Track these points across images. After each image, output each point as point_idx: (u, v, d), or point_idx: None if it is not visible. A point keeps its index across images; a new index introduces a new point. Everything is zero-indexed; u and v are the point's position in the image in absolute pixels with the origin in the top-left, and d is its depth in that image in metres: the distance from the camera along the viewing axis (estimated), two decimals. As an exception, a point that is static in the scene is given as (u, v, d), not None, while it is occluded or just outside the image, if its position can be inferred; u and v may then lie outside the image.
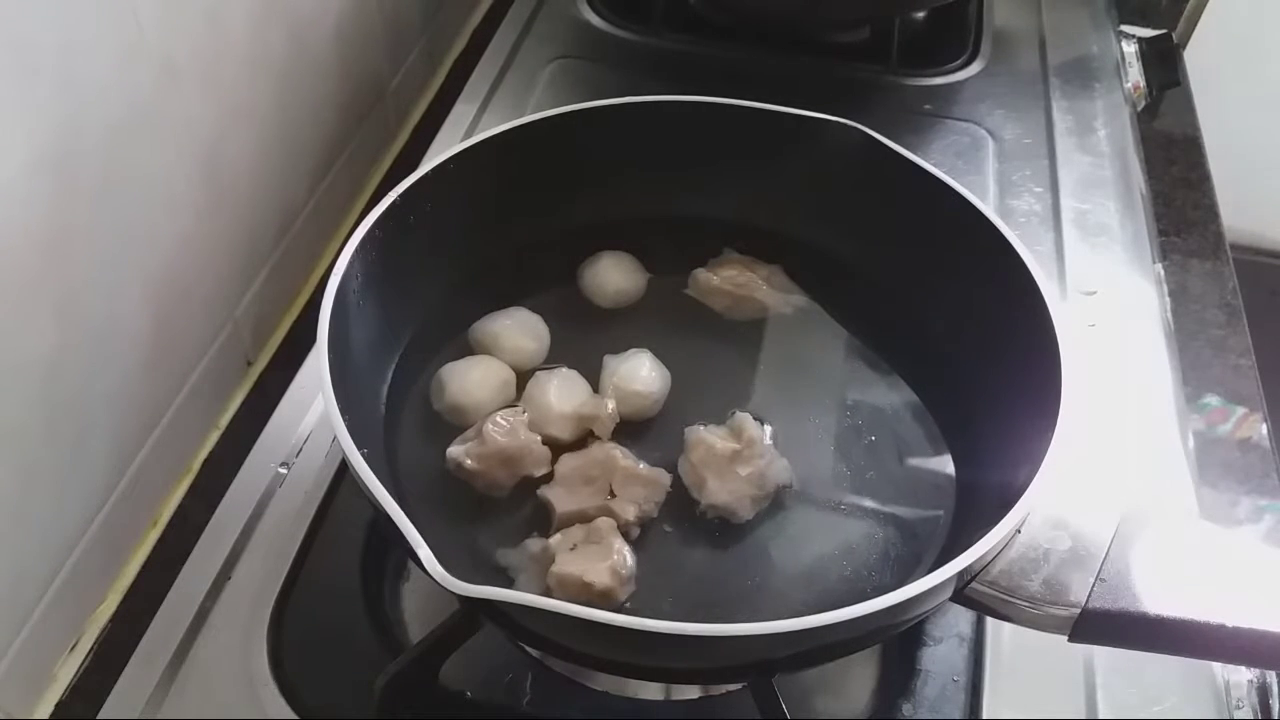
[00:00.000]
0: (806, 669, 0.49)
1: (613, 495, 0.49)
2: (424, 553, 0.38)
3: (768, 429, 0.53)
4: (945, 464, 0.53)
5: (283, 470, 0.56)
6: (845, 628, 0.38)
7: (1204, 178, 0.80)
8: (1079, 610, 0.42)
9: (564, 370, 0.55)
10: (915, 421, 0.55)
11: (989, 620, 0.51)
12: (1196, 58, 0.95)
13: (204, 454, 0.59)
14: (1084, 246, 0.71)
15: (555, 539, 0.47)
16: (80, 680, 0.50)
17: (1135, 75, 0.89)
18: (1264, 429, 0.61)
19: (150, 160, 0.50)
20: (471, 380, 0.53)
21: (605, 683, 0.49)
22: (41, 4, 0.41)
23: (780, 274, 0.61)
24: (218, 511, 0.55)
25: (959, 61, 0.85)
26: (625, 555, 0.46)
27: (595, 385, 0.54)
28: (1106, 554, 0.43)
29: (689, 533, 0.50)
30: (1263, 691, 0.51)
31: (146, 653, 0.49)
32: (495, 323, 0.56)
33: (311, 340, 0.46)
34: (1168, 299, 0.68)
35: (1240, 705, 0.50)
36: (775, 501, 0.51)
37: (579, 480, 0.50)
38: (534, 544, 0.48)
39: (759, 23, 0.85)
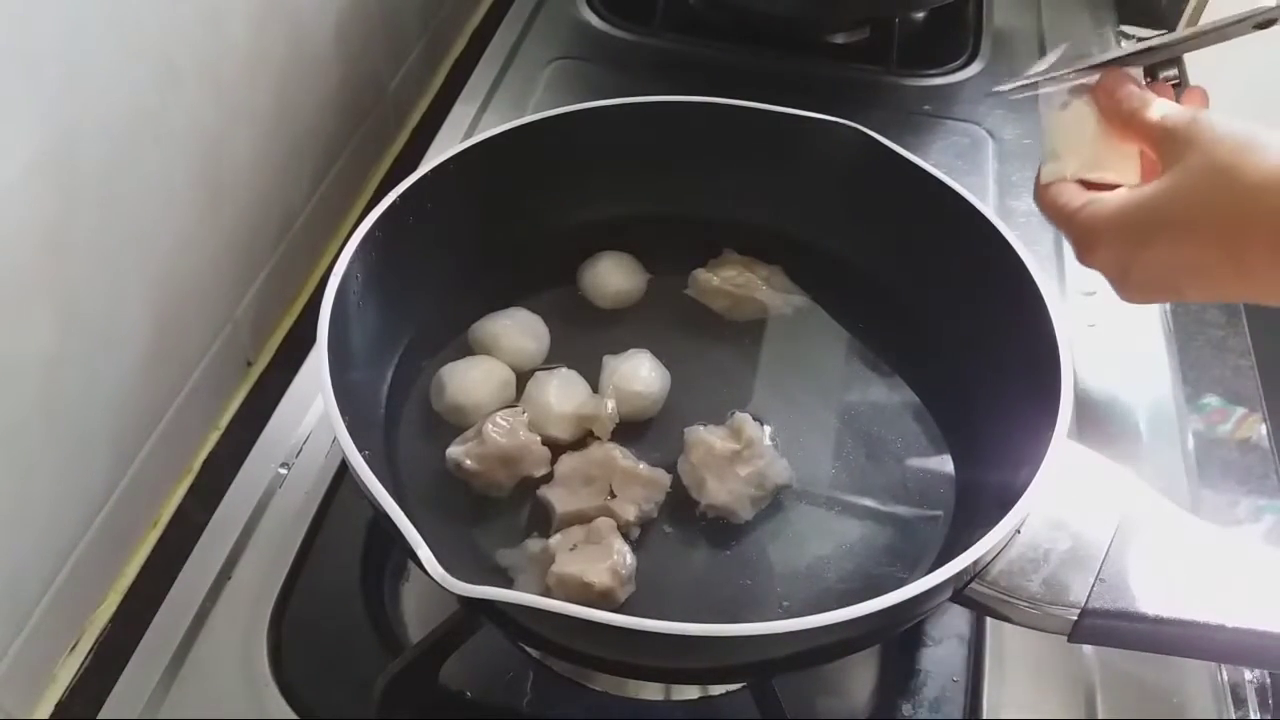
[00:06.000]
0: (806, 669, 0.49)
1: (613, 495, 0.49)
2: (424, 553, 0.38)
3: (767, 429, 0.53)
4: (945, 464, 0.53)
5: (283, 470, 0.56)
6: (845, 628, 0.38)
7: (1204, 178, 0.80)
8: (1079, 610, 0.42)
9: (564, 370, 0.55)
10: (915, 421, 0.55)
11: (989, 620, 0.51)
12: (1196, 58, 0.95)
13: (204, 454, 0.59)
14: (1084, 247, 0.71)
15: (555, 539, 0.47)
16: (80, 680, 0.50)
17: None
18: (1263, 429, 0.61)
19: (151, 160, 0.50)
20: (471, 380, 0.53)
21: (605, 683, 0.49)
22: (43, 5, 0.41)
23: (780, 274, 0.61)
24: (218, 511, 0.55)
25: (959, 62, 0.85)
26: (625, 555, 0.46)
27: (595, 385, 0.54)
28: (1106, 554, 0.43)
29: (689, 533, 0.50)
30: (1262, 691, 0.51)
31: (146, 653, 0.49)
32: (495, 323, 0.56)
33: (311, 340, 0.46)
34: (1167, 299, 0.68)
35: (1240, 705, 0.50)
36: (775, 502, 0.51)
37: (579, 480, 0.50)
38: (534, 544, 0.48)
39: (759, 23, 0.85)
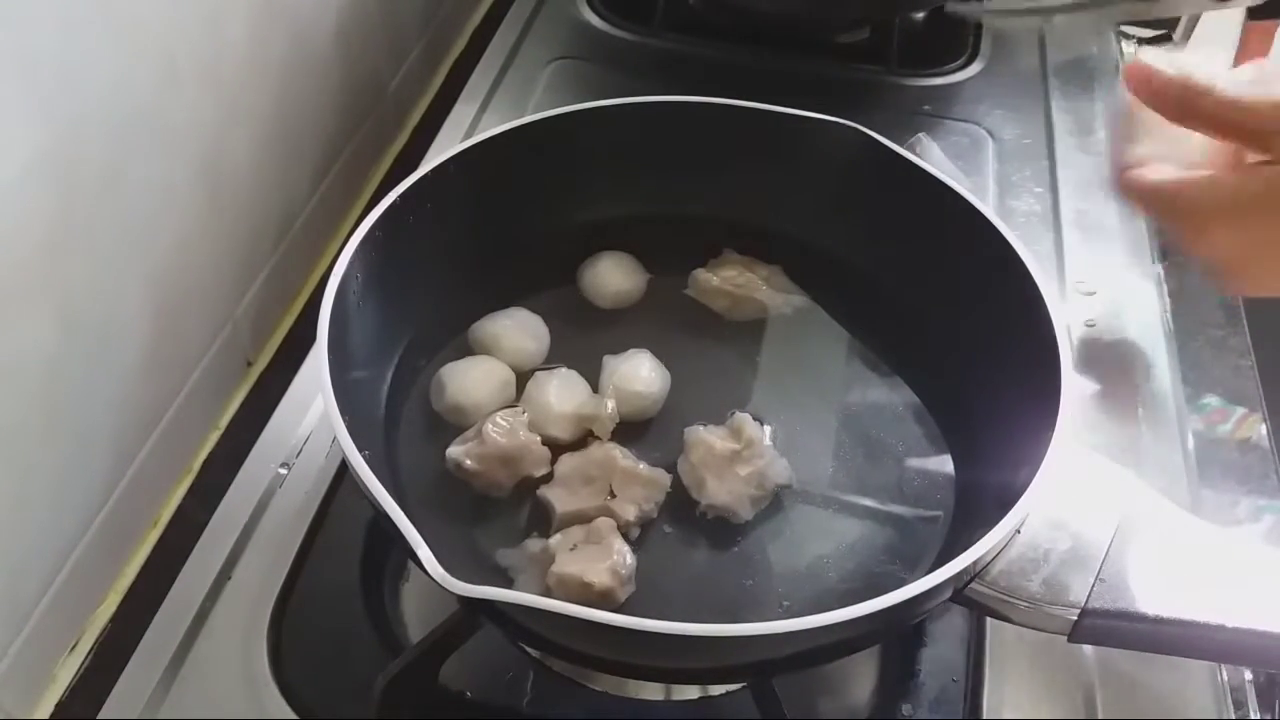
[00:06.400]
0: (806, 669, 0.49)
1: (613, 495, 0.49)
2: (424, 553, 0.38)
3: (767, 429, 0.53)
4: (945, 464, 0.53)
5: (283, 470, 0.56)
6: (845, 628, 0.38)
7: (1204, 178, 0.80)
8: (1079, 610, 0.42)
9: (564, 370, 0.55)
10: (915, 421, 0.55)
11: (989, 620, 0.51)
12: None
13: (204, 454, 0.59)
14: (1084, 247, 0.71)
15: (555, 539, 0.47)
16: (80, 680, 0.50)
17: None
18: (1263, 429, 0.61)
19: (151, 160, 0.50)
20: (471, 380, 0.53)
21: (605, 683, 0.49)
22: (43, 5, 0.41)
23: (780, 274, 0.61)
24: (218, 511, 0.55)
25: (959, 62, 0.85)
26: (625, 555, 0.46)
27: (595, 385, 0.54)
28: (1106, 554, 0.43)
29: (689, 533, 0.50)
30: (1263, 691, 0.51)
31: (146, 653, 0.49)
32: (495, 323, 0.56)
33: (311, 340, 0.46)
34: (1167, 299, 0.68)
35: (1240, 705, 0.50)
36: (775, 502, 0.51)
37: (579, 480, 0.50)
38: (534, 544, 0.48)
39: (759, 23, 0.85)
